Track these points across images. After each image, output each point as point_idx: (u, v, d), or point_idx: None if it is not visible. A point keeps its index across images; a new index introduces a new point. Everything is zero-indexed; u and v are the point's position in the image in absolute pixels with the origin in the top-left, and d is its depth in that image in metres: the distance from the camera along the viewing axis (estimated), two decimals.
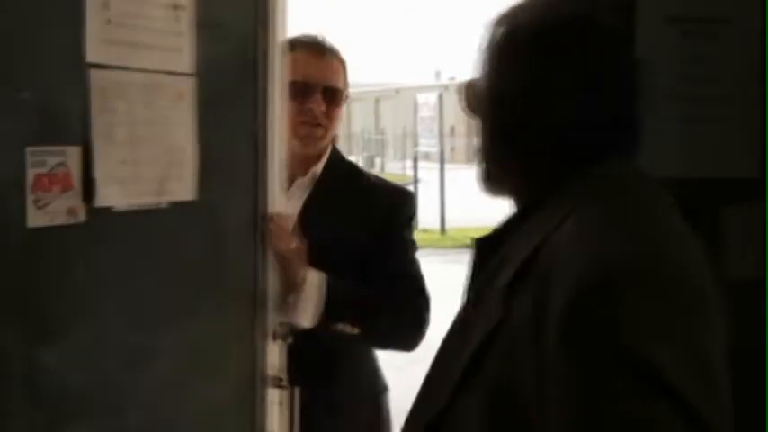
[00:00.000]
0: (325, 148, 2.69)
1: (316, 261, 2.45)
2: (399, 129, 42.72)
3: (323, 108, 2.61)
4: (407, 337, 2.57)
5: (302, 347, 2.38)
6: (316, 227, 2.52)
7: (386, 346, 2.65)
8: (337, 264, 2.51)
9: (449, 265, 14.07)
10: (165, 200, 1.98)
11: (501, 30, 1.39)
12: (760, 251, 2.45)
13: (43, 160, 1.71)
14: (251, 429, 2.28)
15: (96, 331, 1.83)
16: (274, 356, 2.32)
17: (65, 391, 1.77)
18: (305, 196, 2.65)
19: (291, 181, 2.63)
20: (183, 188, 2.01)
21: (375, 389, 2.75)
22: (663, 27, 2.40)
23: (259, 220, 2.28)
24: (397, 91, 53.91)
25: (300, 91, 2.58)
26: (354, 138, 47.84)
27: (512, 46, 1.37)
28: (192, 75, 2.01)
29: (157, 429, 1.99)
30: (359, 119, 55.25)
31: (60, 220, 1.74)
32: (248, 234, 2.27)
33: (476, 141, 1.43)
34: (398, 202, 2.71)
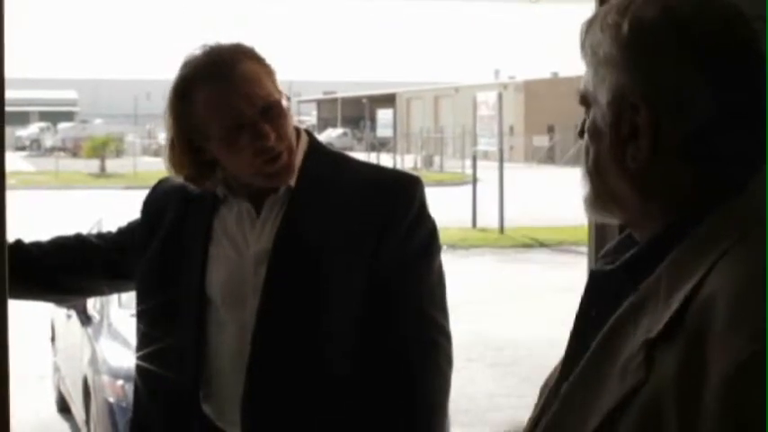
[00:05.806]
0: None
1: (301, 314, 2.05)
2: (458, 127, 41.74)
3: (273, 134, 2.02)
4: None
5: None
6: (296, 262, 2.07)
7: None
8: (330, 314, 2.05)
9: (507, 264, 14.80)
10: None
11: (625, 20, 1.17)
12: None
13: None
14: None
15: None
16: None
17: None
18: (279, 220, 2.09)
19: (260, 204, 2.11)
20: None
21: None
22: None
23: None
24: (457, 89, 52.23)
25: (244, 132, 2.01)
26: (413, 136, 47.53)
27: (641, 42, 1.16)
28: None
29: None
30: (418, 117, 54.90)
31: None
32: None
33: (584, 159, 1.23)
34: (396, 202, 2.09)
